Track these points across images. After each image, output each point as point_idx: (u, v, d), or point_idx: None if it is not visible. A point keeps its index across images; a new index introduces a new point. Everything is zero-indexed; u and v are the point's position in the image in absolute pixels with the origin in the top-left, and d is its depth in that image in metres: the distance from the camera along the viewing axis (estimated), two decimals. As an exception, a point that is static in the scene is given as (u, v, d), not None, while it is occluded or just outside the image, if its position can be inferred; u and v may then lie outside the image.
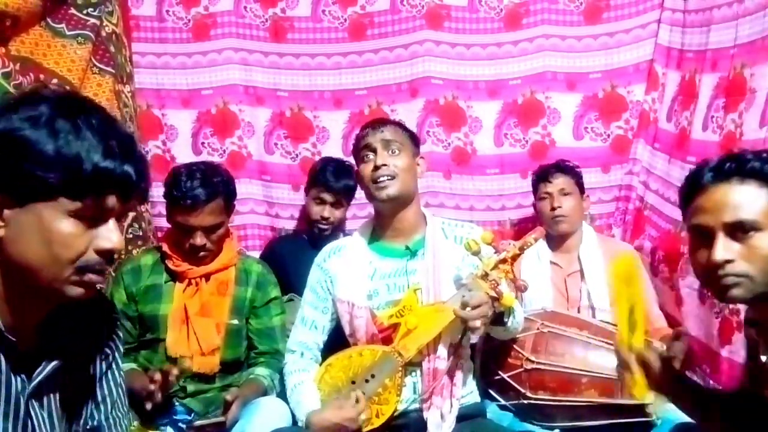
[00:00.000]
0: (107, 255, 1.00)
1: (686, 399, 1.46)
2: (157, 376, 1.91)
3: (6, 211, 0.96)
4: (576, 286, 2.54)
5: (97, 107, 1.03)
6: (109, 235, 0.99)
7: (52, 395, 1.08)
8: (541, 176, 2.63)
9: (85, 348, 1.15)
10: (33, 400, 1.04)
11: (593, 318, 2.39)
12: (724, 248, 1.23)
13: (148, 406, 1.92)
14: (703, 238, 1.27)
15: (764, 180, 1.22)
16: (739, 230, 1.23)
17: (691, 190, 1.30)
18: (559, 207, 2.54)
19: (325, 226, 2.67)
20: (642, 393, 1.36)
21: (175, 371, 1.96)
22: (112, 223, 1.00)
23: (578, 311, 2.48)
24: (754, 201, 1.22)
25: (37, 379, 1.04)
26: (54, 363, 1.06)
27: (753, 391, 1.40)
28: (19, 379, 1.02)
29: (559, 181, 2.58)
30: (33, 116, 0.94)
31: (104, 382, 1.20)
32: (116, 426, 1.22)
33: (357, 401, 1.88)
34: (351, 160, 2.75)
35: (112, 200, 0.98)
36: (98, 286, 1.05)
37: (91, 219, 0.98)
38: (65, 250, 0.96)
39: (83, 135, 0.95)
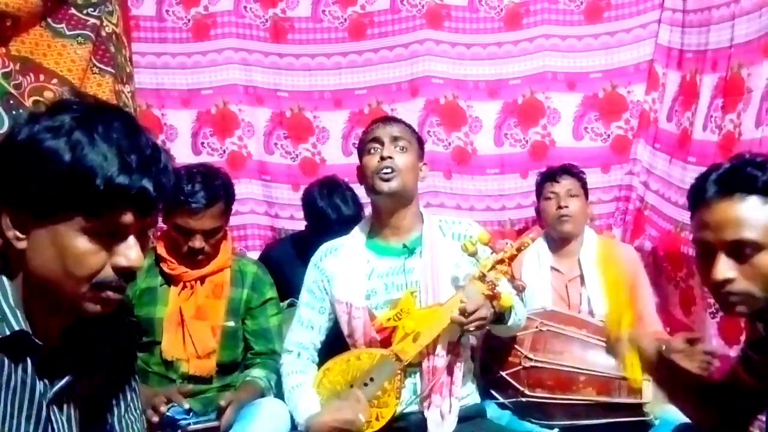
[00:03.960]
0: (125, 272, 0.98)
1: (678, 386, 1.44)
2: (163, 408, 1.89)
3: (27, 226, 0.95)
4: (577, 292, 2.50)
5: (122, 117, 0.99)
6: (127, 253, 0.97)
7: (71, 400, 1.08)
8: (548, 176, 2.60)
9: (105, 352, 1.14)
10: (53, 406, 1.04)
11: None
12: (724, 267, 1.21)
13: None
14: (706, 253, 1.26)
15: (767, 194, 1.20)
16: (740, 249, 1.20)
17: (696, 201, 1.28)
18: (566, 207, 2.50)
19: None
20: (636, 376, 1.35)
21: (184, 402, 1.95)
22: (131, 239, 0.97)
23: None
24: (757, 218, 1.19)
25: (58, 385, 1.03)
26: (73, 375, 1.05)
27: (747, 382, 1.40)
28: (41, 384, 1.02)
29: (567, 182, 2.55)
30: (54, 126, 0.93)
31: (118, 385, 1.20)
32: (128, 429, 1.21)
33: (357, 401, 1.86)
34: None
35: (128, 217, 0.95)
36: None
37: (108, 236, 0.96)
38: (79, 267, 0.95)
39: (100, 148, 0.92)
